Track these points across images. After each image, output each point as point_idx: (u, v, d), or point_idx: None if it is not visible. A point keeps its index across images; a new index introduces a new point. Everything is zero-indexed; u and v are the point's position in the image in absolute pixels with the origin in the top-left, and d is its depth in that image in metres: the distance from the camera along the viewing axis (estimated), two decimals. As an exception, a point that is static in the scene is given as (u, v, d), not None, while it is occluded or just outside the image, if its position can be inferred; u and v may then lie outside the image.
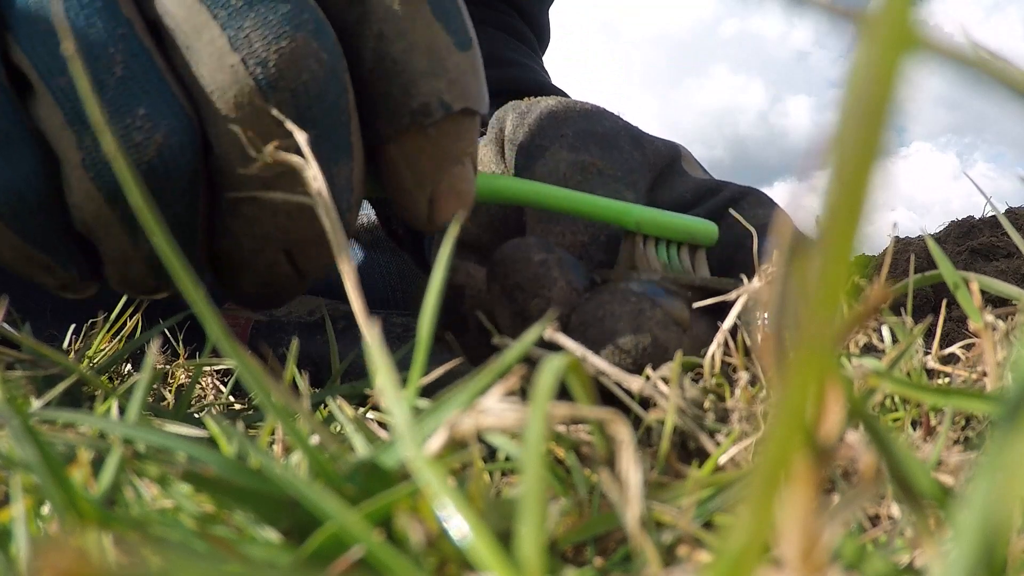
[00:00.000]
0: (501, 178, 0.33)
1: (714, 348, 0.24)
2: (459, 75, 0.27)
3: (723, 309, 0.28)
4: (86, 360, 0.37)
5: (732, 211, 0.35)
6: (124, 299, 0.41)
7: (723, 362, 0.25)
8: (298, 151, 0.25)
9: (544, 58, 0.71)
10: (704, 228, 0.34)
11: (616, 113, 0.38)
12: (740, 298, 0.25)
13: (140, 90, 0.24)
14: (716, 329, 0.28)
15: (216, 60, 0.24)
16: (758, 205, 0.36)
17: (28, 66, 0.24)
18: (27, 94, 0.24)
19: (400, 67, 0.26)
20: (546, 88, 0.59)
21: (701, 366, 0.25)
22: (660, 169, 0.37)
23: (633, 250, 0.33)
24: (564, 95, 0.51)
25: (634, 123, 0.38)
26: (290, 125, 0.23)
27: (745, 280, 0.27)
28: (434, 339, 0.19)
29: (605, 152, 0.35)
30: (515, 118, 0.38)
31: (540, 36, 0.69)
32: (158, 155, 0.24)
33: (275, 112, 0.24)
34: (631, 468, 0.13)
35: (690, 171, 0.38)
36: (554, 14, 0.72)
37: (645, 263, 0.33)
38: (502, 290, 0.30)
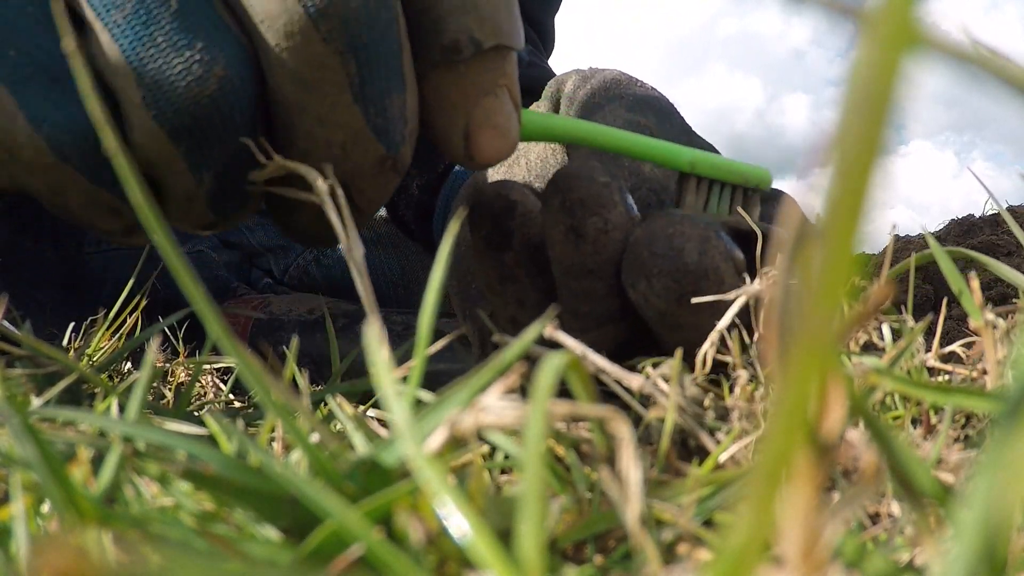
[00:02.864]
0: (550, 116, 0.33)
1: (707, 346, 0.24)
2: (491, 11, 0.27)
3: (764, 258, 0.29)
4: (86, 358, 0.37)
5: (740, 209, 0.35)
6: (123, 297, 0.41)
7: (722, 361, 0.25)
8: (354, 83, 0.25)
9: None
10: (757, 172, 0.34)
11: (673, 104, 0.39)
12: (739, 298, 0.25)
13: (196, 24, 0.24)
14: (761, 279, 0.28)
15: None
16: (773, 202, 0.36)
17: (83, 3, 0.23)
18: (81, 31, 0.24)
19: (430, 3, 0.26)
20: None
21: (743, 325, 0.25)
22: None
23: (687, 192, 0.33)
24: None
25: None
26: (340, 54, 0.23)
27: (747, 280, 0.27)
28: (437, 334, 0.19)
29: (659, 122, 0.36)
30: (577, 80, 0.39)
31: (545, 42, 0.69)
32: (219, 88, 0.24)
33: (324, 40, 0.24)
34: (631, 466, 0.13)
35: None
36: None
37: (694, 204, 0.33)
38: (562, 204, 0.29)
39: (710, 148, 0.38)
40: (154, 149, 0.25)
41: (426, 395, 0.19)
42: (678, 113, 0.38)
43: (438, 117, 0.28)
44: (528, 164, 0.38)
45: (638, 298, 0.28)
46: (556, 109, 0.39)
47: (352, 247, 0.20)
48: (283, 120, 0.26)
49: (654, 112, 0.36)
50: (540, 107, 0.40)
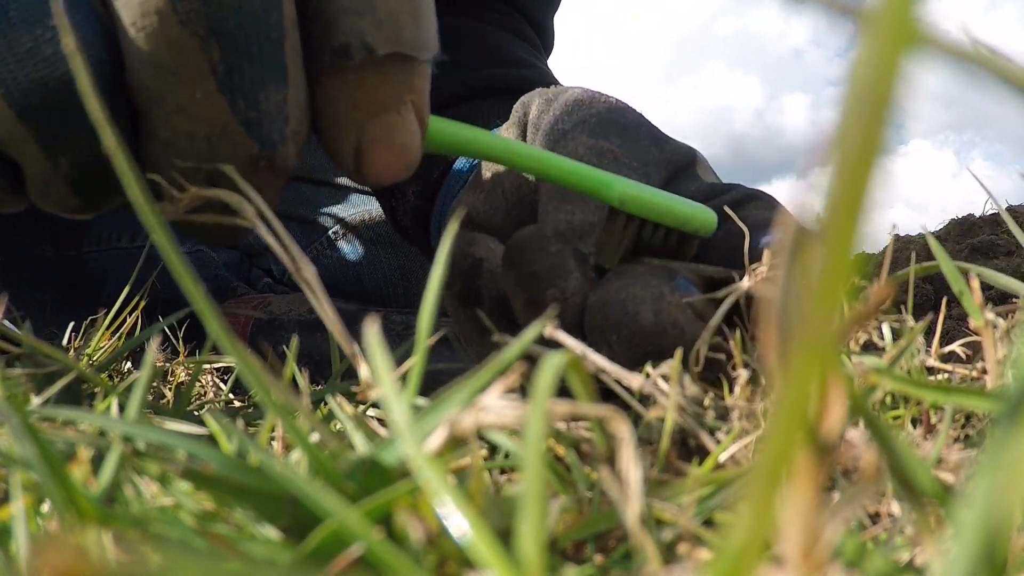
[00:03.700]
0: (464, 127, 0.30)
1: (699, 343, 0.24)
2: (389, 15, 0.25)
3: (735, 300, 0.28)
4: (85, 358, 0.37)
5: (727, 209, 0.35)
6: (123, 297, 0.41)
7: (722, 360, 0.25)
8: (218, 70, 0.23)
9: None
10: (701, 215, 0.32)
11: (639, 111, 0.38)
12: (730, 296, 0.25)
13: (49, 3, 0.22)
14: (729, 318, 0.28)
15: None
16: (765, 208, 0.36)
17: None
18: None
19: (322, 3, 0.24)
20: None
21: (716, 361, 0.25)
22: (675, 170, 0.37)
23: (613, 233, 0.31)
24: None
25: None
26: (200, 41, 0.21)
27: (744, 276, 0.27)
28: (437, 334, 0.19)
29: (625, 142, 0.35)
30: (541, 103, 0.38)
31: (545, 41, 0.69)
32: (69, 69, 0.22)
33: (181, 23, 0.22)
34: (631, 466, 0.13)
35: (704, 176, 0.38)
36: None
37: (625, 245, 0.31)
38: (517, 278, 0.30)
39: (688, 152, 0.37)
40: (4, 129, 0.23)
41: (425, 395, 0.19)
42: (647, 125, 0.37)
43: (329, 126, 0.26)
44: (505, 192, 0.37)
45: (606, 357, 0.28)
46: (523, 134, 0.39)
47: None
48: (143, 107, 0.24)
49: (618, 132, 0.35)
50: (509, 132, 0.39)
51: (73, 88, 0.23)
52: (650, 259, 0.31)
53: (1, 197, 0.26)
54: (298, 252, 0.20)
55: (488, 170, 0.37)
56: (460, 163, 0.47)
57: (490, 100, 0.52)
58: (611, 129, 0.36)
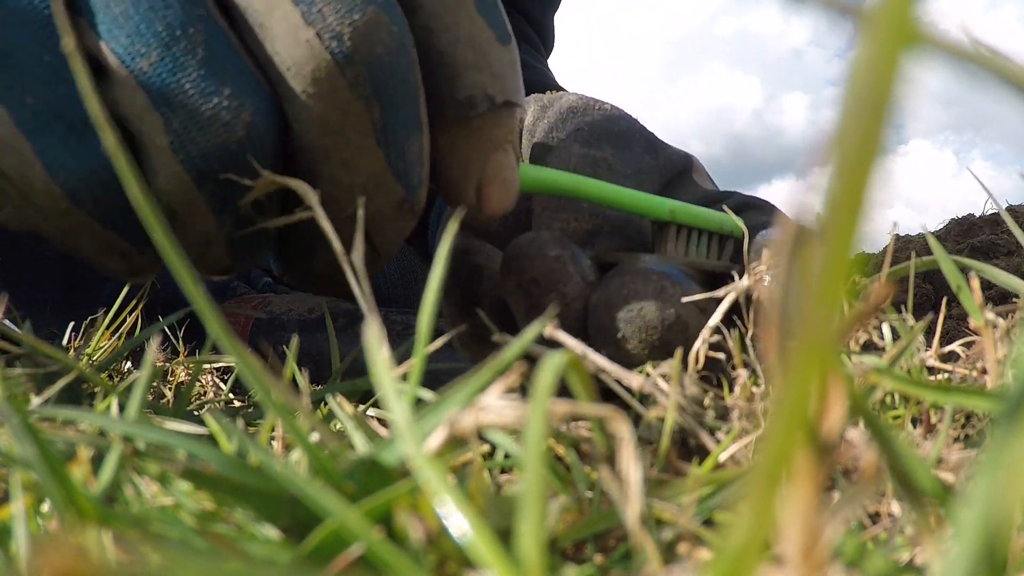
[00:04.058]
0: (544, 170, 0.34)
1: (699, 343, 0.24)
2: (501, 68, 0.28)
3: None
4: (86, 357, 0.37)
5: (725, 207, 0.35)
6: (123, 296, 0.41)
7: (721, 359, 0.25)
8: (377, 127, 0.25)
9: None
10: (731, 221, 0.35)
11: (635, 118, 0.39)
12: (728, 295, 0.25)
13: (223, 70, 0.24)
14: (729, 318, 0.29)
15: (291, 36, 0.24)
16: (762, 214, 0.36)
17: (106, 51, 0.24)
18: (99, 78, 0.24)
19: (447, 60, 0.27)
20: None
21: (716, 358, 0.25)
22: (671, 177, 0.38)
23: (667, 240, 0.34)
24: None
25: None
26: (364, 99, 0.23)
27: (738, 276, 0.27)
28: (436, 334, 0.19)
29: (618, 151, 0.36)
30: (536, 110, 0.39)
31: (545, 40, 0.69)
32: (246, 134, 0.24)
33: (351, 86, 0.25)
34: (631, 465, 0.13)
35: (700, 182, 0.38)
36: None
37: (674, 251, 0.34)
38: (517, 284, 0.30)
39: (684, 159, 0.38)
40: (179, 194, 0.25)
41: (426, 394, 0.19)
42: (641, 133, 0.38)
43: (453, 170, 0.29)
44: None
45: (610, 356, 0.29)
46: (519, 139, 0.39)
47: (366, 304, 0.19)
48: (307, 165, 0.26)
49: (611, 141, 0.36)
50: None
51: (245, 150, 0.25)
52: (644, 255, 0.32)
53: (149, 266, 0.28)
54: (367, 288, 0.21)
55: None
56: None
57: None
58: (604, 138, 0.36)
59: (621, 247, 0.35)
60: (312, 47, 0.24)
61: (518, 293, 0.30)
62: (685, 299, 0.28)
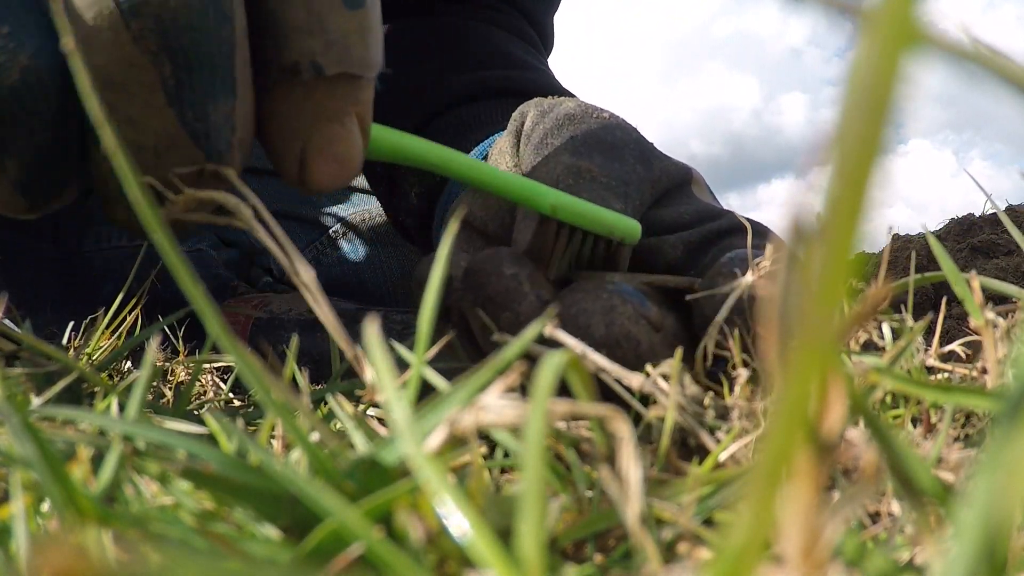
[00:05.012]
0: (406, 136, 0.32)
1: (704, 342, 0.24)
2: (341, 35, 0.26)
3: (690, 309, 0.29)
4: (86, 357, 0.37)
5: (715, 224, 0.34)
6: (123, 296, 0.41)
7: (722, 359, 0.25)
8: (168, 85, 0.24)
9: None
10: (624, 223, 0.33)
11: (634, 127, 0.38)
12: (733, 293, 0.25)
13: (4, 8, 0.22)
14: (687, 327, 0.29)
15: None
16: (755, 236, 0.35)
17: None
18: None
19: (275, 20, 0.25)
20: (562, 94, 0.59)
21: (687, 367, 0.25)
22: (667, 188, 0.37)
23: (545, 238, 0.32)
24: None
25: (643, 135, 0.38)
26: (151, 54, 0.21)
27: (738, 276, 0.27)
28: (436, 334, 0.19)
29: (606, 161, 0.35)
30: (535, 115, 0.38)
31: (545, 40, 0.69)
32: (21, 79, 0.23)
33: (135, 39, 0.23)
34: (631, 465, 0.13)
35: (699, 195, 0.37)
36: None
37: (558, 253, 0.32)
38: (474, 300, 0.30)
39: (682, 171, 0.37)
40: None
41: (424, 395, 0.19)
42: (637, 144, 0.37)
43: (275, 136, 0.27)
44: (500, 199, 0.37)
45: None
46: (518, 143, 0.39)
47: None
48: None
49: (602, 152, 0.35)
50: (506, 140, 0.40)
51: (21, 96, 0.23)
52: (604, 273, 0.32)
53: None
54: (295, 253, 0.20)
55: None
56: None
57: (492, 102, 0.52)
58: (596, 147, 0.35)
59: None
60: None
61: (475, 310, 0.30)
62: (635, 315, 0.28)
